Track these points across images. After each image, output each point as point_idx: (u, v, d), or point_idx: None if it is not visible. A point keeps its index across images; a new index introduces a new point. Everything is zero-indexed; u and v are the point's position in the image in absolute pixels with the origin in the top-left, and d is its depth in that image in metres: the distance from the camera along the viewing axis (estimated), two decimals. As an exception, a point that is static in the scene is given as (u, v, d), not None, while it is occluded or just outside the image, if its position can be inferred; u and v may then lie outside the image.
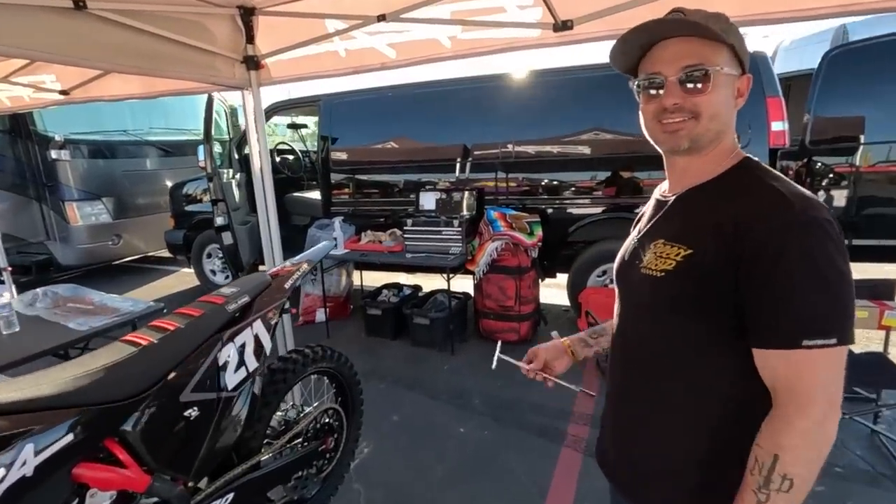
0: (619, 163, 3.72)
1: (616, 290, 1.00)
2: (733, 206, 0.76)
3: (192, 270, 5.56)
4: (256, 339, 1.57)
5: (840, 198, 3.49)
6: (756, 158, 0.85)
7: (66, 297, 2.78)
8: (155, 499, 1.28)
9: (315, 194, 5.12)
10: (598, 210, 3.87)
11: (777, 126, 3.25)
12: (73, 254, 5.69)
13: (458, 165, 4.22)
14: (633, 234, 0.98)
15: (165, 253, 6.14)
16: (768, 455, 0.72)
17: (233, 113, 5.81)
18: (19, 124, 5.32)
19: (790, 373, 0.72)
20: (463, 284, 4.36)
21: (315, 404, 2.02)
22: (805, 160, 3.56)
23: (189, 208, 5.44)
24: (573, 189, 3.94)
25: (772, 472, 0.72)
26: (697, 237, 0.79)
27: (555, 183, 3.99)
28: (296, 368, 1.82)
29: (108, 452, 1.20)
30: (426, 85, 4.24)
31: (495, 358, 1.16)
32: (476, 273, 3.73)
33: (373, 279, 5.03)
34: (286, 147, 5.98)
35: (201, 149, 4.29)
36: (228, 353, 1.47)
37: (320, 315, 4.35)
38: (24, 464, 0.97)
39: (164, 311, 2.51)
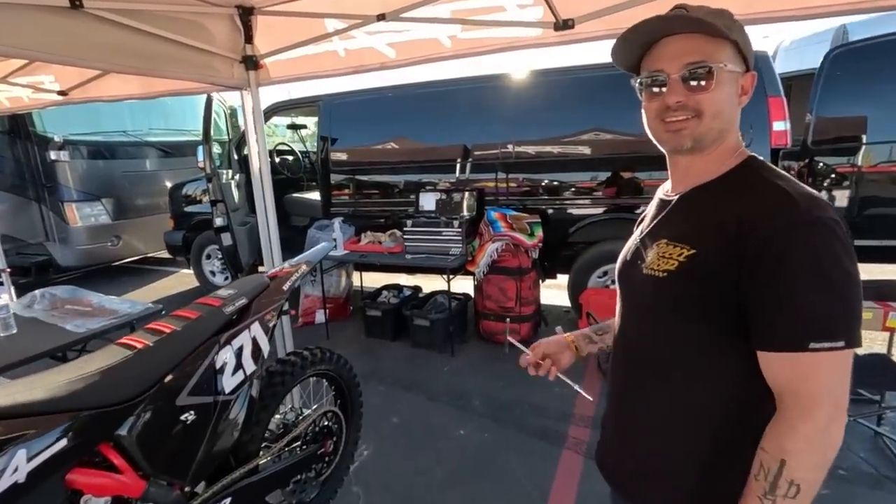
0: (619, 163, 3.71)
1: (618, 291, 0.99)
2: (737, 205, 0.75)
3: (191, 271, 5.54)
4: (254, 341, 1.56)
5: (842, 198, 3.47)
6: (761, 157, 0.83)
7: (64, 298, 2.77)
8: (150, 504, 1.26)
9: (315, 195, 5.11)
10: (599, 210, 3.85)
11: (779, 126, 3.24)
12: (72, 255, 5.67)
13: (458, 166, 4.21)
14: (636, 234, 0.97)
15: (165, 254, 6.14)
16: (774, 460, 0.71)
17: (232, 113, 5.80)
18: (18, 125, 5.30)
19: (795, 376, 0.70)
20: (463, 285, 4.34)
21: (314, 407, 2.01)
22: (807, 160, 3.55)
23: (188, 209, 5.43)
24: (574, 189, 3.93)
25: (778, 477, 0.70)
26: (701, 237, 0.78)
27: (555, 183, 3.97)
28: (294, 371, 1.80)
29: (103, 457, 1.19)
30: (426, 85, 4.23)
31: (506, 341, 1.16)
32: (476, 274, 3.71)
33: (372, 280, 5.02)
34: (286, 147, 5.97)
35: (200, 149, 4.28)
36: (226, 356, 1.45)
37: (320, 316, 4.33)
38: (16, 470, 0.96)
39: (163, 312, 2.49)
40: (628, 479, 0.95)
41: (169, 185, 5.90)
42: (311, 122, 6.40)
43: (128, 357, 1.25)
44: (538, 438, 2.60)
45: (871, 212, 3.45)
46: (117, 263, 6.47)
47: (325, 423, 1.96)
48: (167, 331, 1.36)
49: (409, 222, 3.86)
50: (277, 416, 1.86)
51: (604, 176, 3.78)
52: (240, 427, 1.56)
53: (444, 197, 4.01)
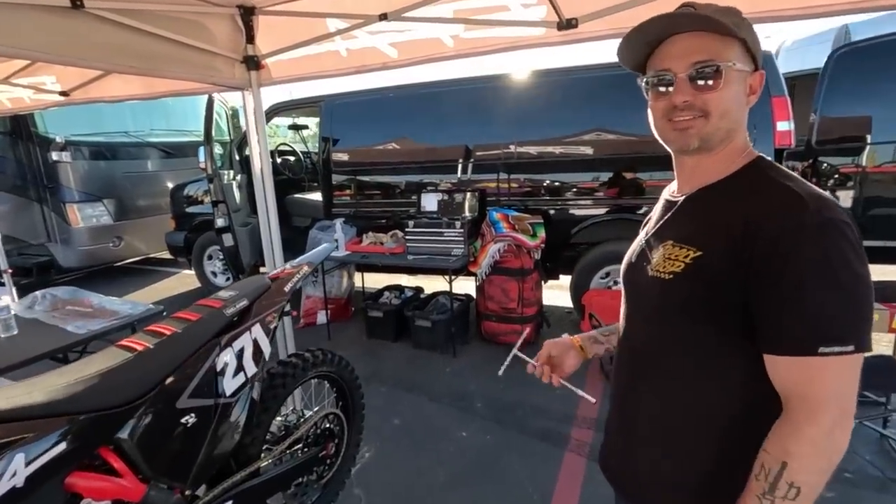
0: (622, 163, 3.69)
1: (622, 293, 0.98)
2: (744, 206, 0.74)
3: (192, 272, 5.54)
4: (255, 343, 1.55)
5: (846, 198, 3.45)
6: (769, 158, 0.82)
7: (65, 299, 2.76)
8: (151, 508, 1.25)
9: (316, 196, 5.10)
10: (602, 211, 3.83)
11: (783, 126, 3.22)
12: (73, 256, 5.67)
13: (459, 166, 4.19)
14: (641, 236, 0.95)
15: (166, 255, 6.13)
16: (776, 461, 0.70)
17: (234, 114, 5.80)
18: (20, 126, 5.31)
19: (803, 379, 0.69)
20: (465, 286, 4.33)
21: (315, 409, 2.00)
22: (811, 160, 3.53)
23: (190, 210, 5.42)
24: (576, 190, 3.91)
25: (778, 479, 0.70)
26: (707, 238, 0.77)
27: (557, 184, 3.96)
28: (296, 373, 1.79)
29: (103, 461, 1.17)
30: (428, 85, 4.22)
31: (511, 355, 1.15)
32: (478, 275, 3.70)
33: (374, 281, 5.01)
34: (287, 148, 5.96)
35: (202, 150, 4.27)
36: (226, 358, 1.44)
37: (321, 317, 4.33)
38: (14, 474, 0.94)
39: (164, 313, 2.48)
40: (632, 481, 0.94)
41: (170, 185, 5.89)
42: (312, 123, 6.40)
43: (128, 359, 1.24)
44: (540, 440, 2.58)
45: (875, 212, 3.43)
46: (119, 264, 6.48)
47: (327, 425, 1.94)
48: (168, 333, 1.35)
49: (410, 223, 3.85)
50: (279, 419, 1.85)
51: (606, 176, 3.77)
52: (241, 430, 1.55)
53: (445, 197, 4.00)
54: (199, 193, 5.32)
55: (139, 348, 1.28)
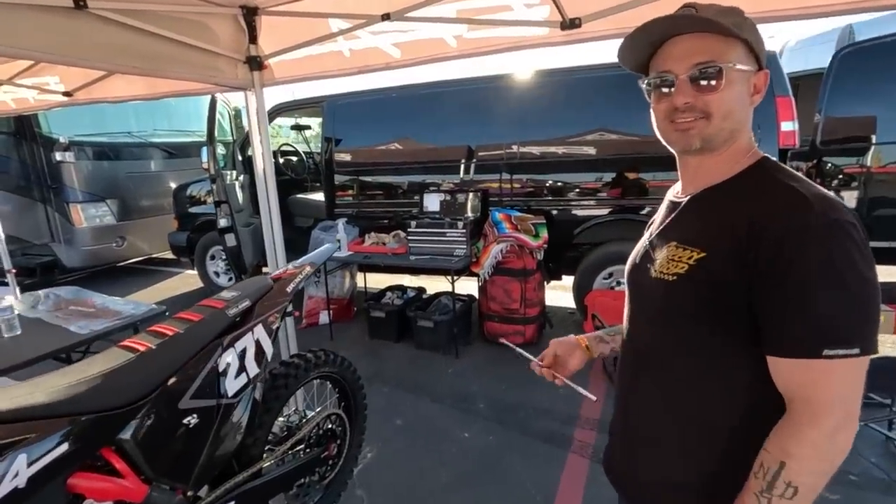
0: (625, 163, 3.68)
1: (626, 294, 0.97)
2: (749, 207, 0.73)
3: (195, 272, 5.55)
4: (257, 343, 1.55)
5: (851, 199, 3.43)
6: (774, 159, 0.81)
7: (68, 299, 2.77)
8: (153, 509, 1.25)
9: (319, 196, 5.10)
10: (605, 211, 3.82)
11: (787, 126, 3.21)
12: (77, 256, 5.69)
13: (462, 166, 4.19)
14: (645, 237, 0.95)
15: (169, 255, 6.15)
16: (775, 461, 0.70)
17: (236, 114, 5.81)
18: (24, 126, 5.33)
19: (807, 382, 0.69)
20: (467, 287, 4.32)
21: (318, 409, 1.99)
22: (815, 161, 3.51)
23: (193, 210, 5.43)
24: (579, 190, 3.90)
25: (776, 478, 0.70)
26: (711, 239, 0.77)
27: (560, 184, 3.95)
28: (298, 373, 1.79)
29: (105, 462, 1.17)
30: (430, 85, 4.21)
31: (517, 351, 1.16)
32: (481, 275, 3.69)
33: (377, 281, 5.01)
34: (290, 148, 5.97)
35: (205, 150, 4.28)
36: (228, 359, 1.44)
37: (324, 317, 4.33)
38: (16, 475, 0.94)
39: (167, 313, 2.48)
40: (636, 484, 0.94)
41: (173, 185, 5.91)
42: (315, 123, 6.40)
43: (130, 360, 1.24)
44: (543, 441, 2.58)
45: (880, 213, 3.41)
46: (122, 264, 6.49)
47: (329, 425, 1.94)
48: (170, 333, 1.35)
49: (413, 223, 3.84)
50: (281, 419, 1.84)
51: (609, 177, 3.76)
52: (243, 430, 1.54)
53: (448, 198, 4.00)
54: (201, 194, 5.33)
55: (141, 349, 1.28)
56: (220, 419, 1.42)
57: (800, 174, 0.77)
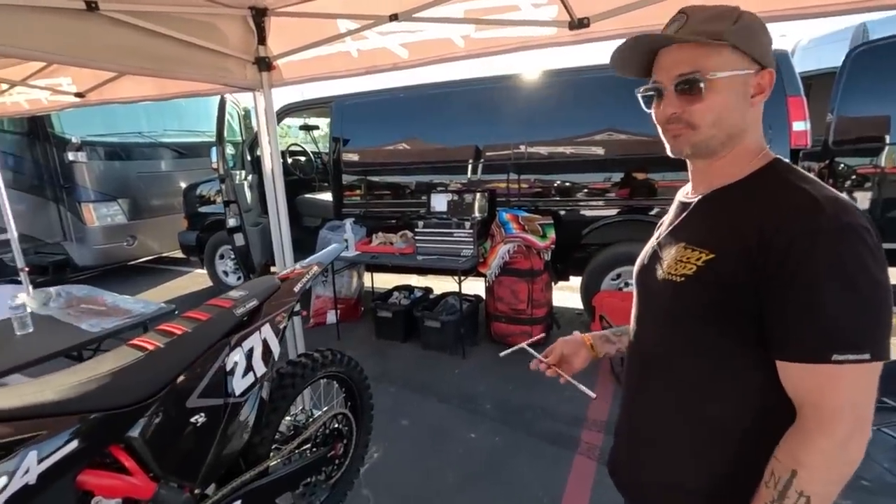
0: (633, 164, 3.65)
1: (634, 294, 0.96)
2: (760, 209, 0.72)
3: (205, 271, 5.59)
4: (265, 343, 1.55)
5: (864, 200, 3.38)
6: (787, 160, 0.80)
7: (79, 297, 2.80)
8: (161, 506, 1.26)
9: (326, 196, 5.12)
10: (613, 212, 3.80)
11: (798, 126, 3.16)
12: (89, 254, 5.76)
13: (469, 167, 4.18)
14: (654, 237, 0.94)
15: (179, 254, 6.20)
16: (785, 470, 0.69)
17: (245, 115, 5.85)
18: (38, 127, 5.40)
19: (816, 387, 0.68)
20: (474, 287, 4.32)
21: (324, 409, 2.00)
22: (827, 161, 3.47)
23: (202, 209, 5.48)
24: (587, 191, 3.88)
25: (788, 488, 0.68)
26: (720, 241, 0.76)
27: (568, 184, 3.93)
28: (305, 373, 1.80)
29: (114, 459, 1.19)
30: (438, 86, 4.21)
31: (518, 346, 1.17)
32: (488, 276, 3.69)
33: (384, 281, 5.02)
34: (298, 148, 6.00)
35: (214, 150, 4.31)
36: (236, 358, 1.45)
37: (331, 317, 4.34)
38: (27, 471, 0.96)
39: (176, 312, 2.50)
40: (641, 488, 0.93)
41: (183, 185, 5.96)
42: (323, 123, 6.43)
43: (139, 359, 1.25)
44: (550, 443, 2.56)
45: (894, 214, 3.36)
46: (132, 263, 6.56)
47: (336, 425, 1.95)
48: (178, 332, 1.36)
49: (420, 223, 3.84)
50: (287, 419, 1.86)
51: (618, 177, 3.73)
52: (250, 429, 1.55)
53: (455, 198, 3.99)
54: (211, 193, 5.37)
55: (150, 348, 1.29)
56: (227, 418, 1.43)
57: (812, 176, 0.75)
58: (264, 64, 2.32)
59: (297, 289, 1.73)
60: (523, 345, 1.17)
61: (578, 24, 1.74)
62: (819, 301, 0.66)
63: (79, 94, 2.92)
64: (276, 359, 1.63)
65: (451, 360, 3.63)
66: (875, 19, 4.73)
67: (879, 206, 3.35)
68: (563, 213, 3.93)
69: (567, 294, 4.63)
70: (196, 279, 6.16)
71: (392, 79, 4.47)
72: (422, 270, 4.53)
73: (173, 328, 1.38)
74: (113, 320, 2.44)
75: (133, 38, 1.86)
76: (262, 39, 2.28)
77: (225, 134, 4.30)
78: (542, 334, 3.65)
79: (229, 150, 4.56)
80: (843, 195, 0.70)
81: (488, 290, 3.82)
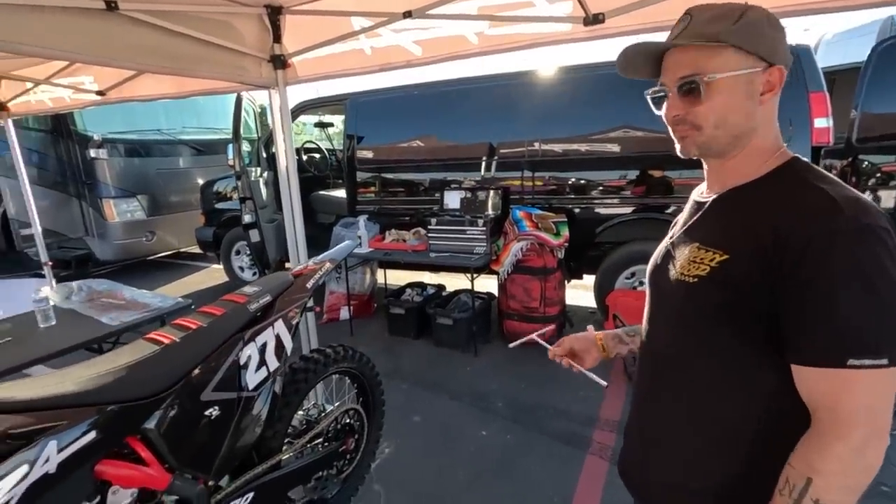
0: (649, 161, 3.60)
1: (647, 294, 0.95)
2: (775, 209, 0.71)
3: (221, 267, 5.67)
4: (278, 338, 1.57)
5: (889, 199, 3.29)
6: (805, 159, 0.78)
7: (100, 291, 2.87)
8: (176, 497, 1.29)
9: (340, 193, 5.15)
10: (628, 210, 3.75)
11: (820, 123, 3.08)
12: (109, 249, 5.89)
13: (483, 164, 4.17)
14: (668, 237, 0.93)
15: (196, 249, 6.30)
16: (801, 477, 0.68)
17: (262, 112, 5.91)
18: (61, 124, 5.54)
19: (831, 392, 0.66)
20: (487, 285, 4.31)
21: (336, 404, 2.02)
22: (850, 159, 3.38)
23: (219, 206, 5.56)
24: (601, 188, 3.84)
25: (803, 495, 0.67)
26: (735, 241, 0.75)
27: (582, 182, 3.89)
28: (317, 368, 1.82)
29: (131, 450, 1.21)
30: (452, 83, 4.21)
31: (527, 338, 1.19)
32: (500, 273, 3.68)
33: (397, 278, 5.03)
34: (313, 146, 6.04)
35: (231, 147, 4.37)
36: (249, 353, 1.47)
37: (344, 313, 4.38)
38: (47, 460, 0.98)
39: (192, 307, 2.55)
40: (651, 489, 0.92)
41: (201, 182, 6.06)
42: (338, 121, 6.46)
43: (155, 352, 1.28)
44: (561, 442, 2.55)
45: (920, 214, 3.26)
46: (151, 258, 6.69)
47: (347, 420, 1.97)
48: (193, 327, 1.39)
49: (433, 220, 3.85)
50: (300, 413, 1.88)
51: (633, 174, 3.69)
52: (263, 423, 1.58)
53: (468, 195, 3.98)
54: (227, 190, 5.45)
55: (166, 341, 1.32)
56: (240, 411, 1.45)
57: (832, 175, 0.74)
58: (279, 62, 2.34)
59: (309, 285, 1.74)
60: (533, 336, 1.17)
61: (593, 19, 1.72)
62: (834, 304, 0.64)
63: (100, 93, 2.98)
64: (289, 354, 1.65)
65: (464, 357, 3.63)
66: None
67: (905, 205, 3.26)
68: (577, 210, 3.90)
69: (580, 292, 4.60)
70: (212, 274, 6.25)
71: (406, 76, 4.46)
72: (434, 268, 4.54)
73: (189, 322, 1.41)
74: (132, 314, 2.50)
75: (152, 37, 1.89)
76: (277, 37, 2.30)
77: (241, 131, 4.35)
78: (553, 330, 3.64)
79: (245, 147, 4.62)
80: (864, 196, 0.69)
81: (501, 287, 3.81)
